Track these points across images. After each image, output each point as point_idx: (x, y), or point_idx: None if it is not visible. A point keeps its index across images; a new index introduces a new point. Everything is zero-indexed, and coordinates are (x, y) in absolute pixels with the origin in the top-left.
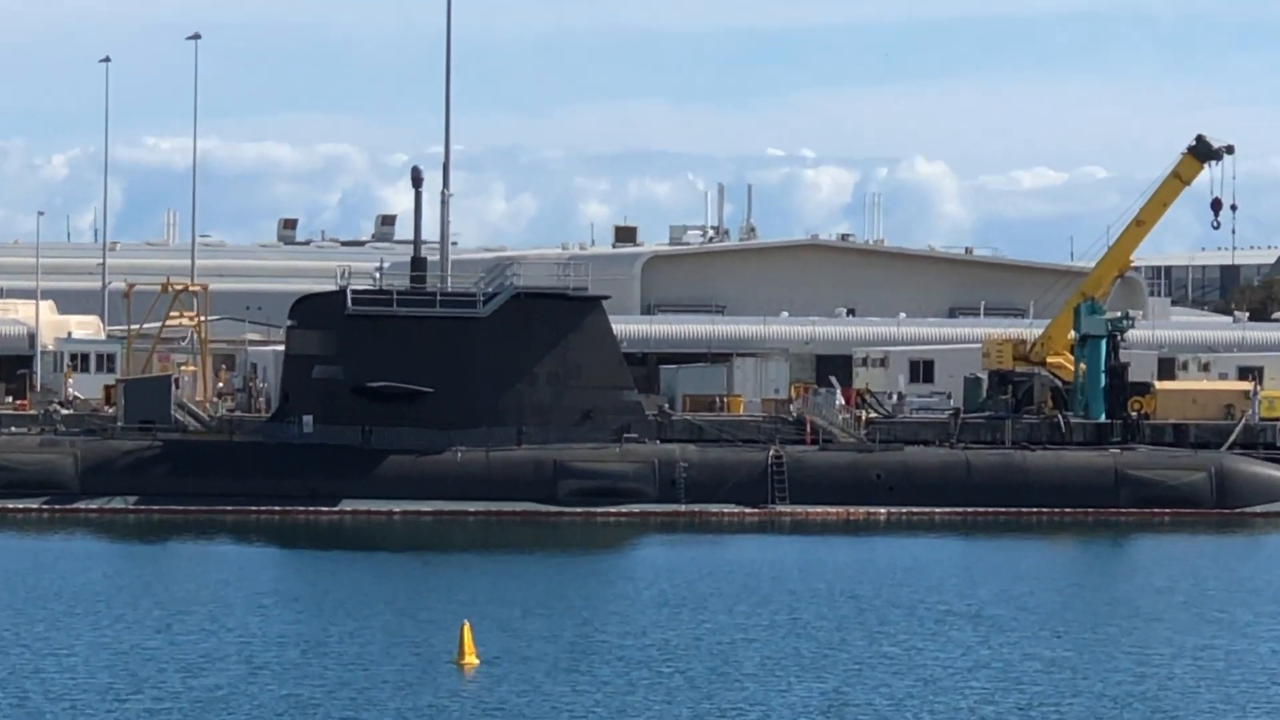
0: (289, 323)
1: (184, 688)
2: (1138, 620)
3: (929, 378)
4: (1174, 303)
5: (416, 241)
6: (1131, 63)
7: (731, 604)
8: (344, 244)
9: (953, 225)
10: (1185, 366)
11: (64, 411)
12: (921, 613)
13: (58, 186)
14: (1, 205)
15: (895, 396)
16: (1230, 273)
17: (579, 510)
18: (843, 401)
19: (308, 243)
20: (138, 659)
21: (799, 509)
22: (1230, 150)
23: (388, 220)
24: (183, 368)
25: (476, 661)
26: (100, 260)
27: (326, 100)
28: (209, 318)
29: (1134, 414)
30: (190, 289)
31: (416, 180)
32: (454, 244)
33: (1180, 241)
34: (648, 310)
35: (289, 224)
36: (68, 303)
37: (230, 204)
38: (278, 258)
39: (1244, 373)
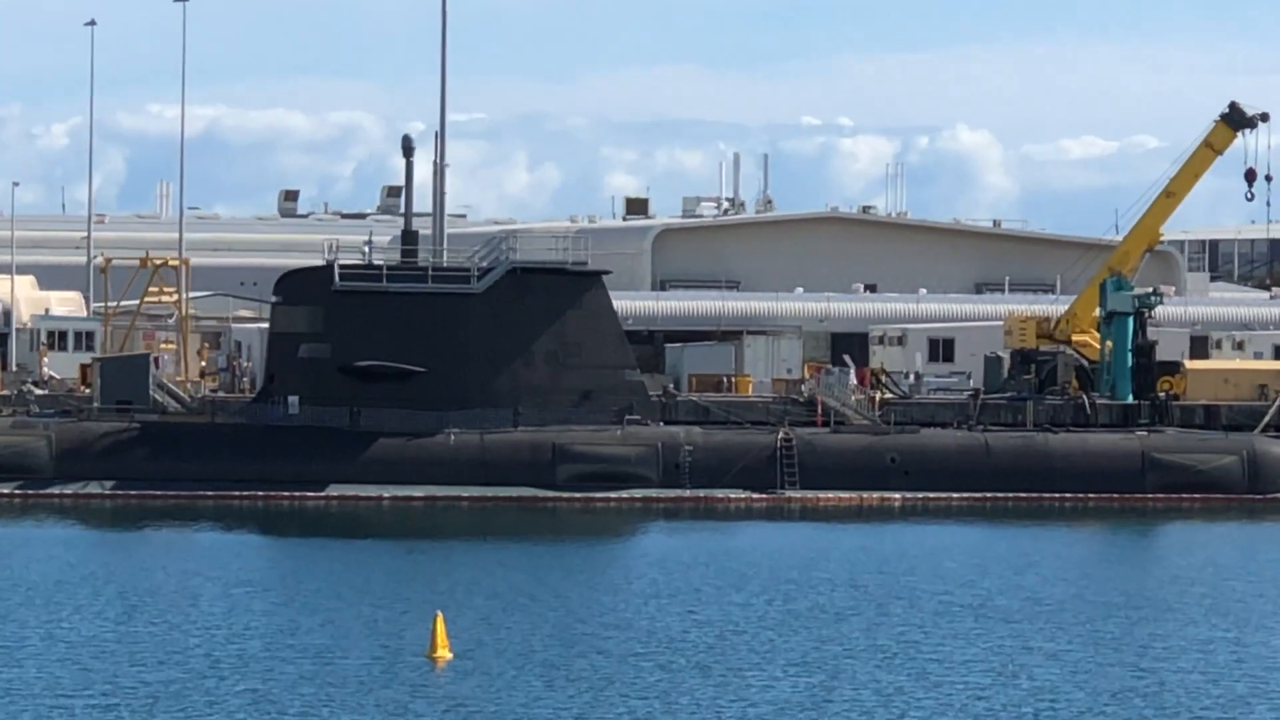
0: (274, 299)
1: (137, 682)
2: (1149, 612)
3: (949, 357)
4: (1215, 278)
5: (407, 214)
6: (1178, 24)
7: (726, 595)
8: (345, 216)
9: (997, 196)
10: (1219, 345)
11: (38, 392)
12: (924, 604)
13: (57, 156)
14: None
15: (912, 376)
16: (1277, 247)
17: (578, 496)
18: (856, 382)
19: (308, 215)
20: (92, 651)
21: (809, 494)
22: (1265, 118)
23: (394, 191)
24: (163, 346)
25: (449, 655)
26: (85, 234)
27: (341, 66)
28: (195, 294)
29: (1162, 395)
30: (171, 264)
31: (407, 150)
32: (463, 216)
33: (1233, 215)
34: (659, 286)
35: (290, 195)
36: (51, 278)
37: (239, 175)
38: (274, 231)
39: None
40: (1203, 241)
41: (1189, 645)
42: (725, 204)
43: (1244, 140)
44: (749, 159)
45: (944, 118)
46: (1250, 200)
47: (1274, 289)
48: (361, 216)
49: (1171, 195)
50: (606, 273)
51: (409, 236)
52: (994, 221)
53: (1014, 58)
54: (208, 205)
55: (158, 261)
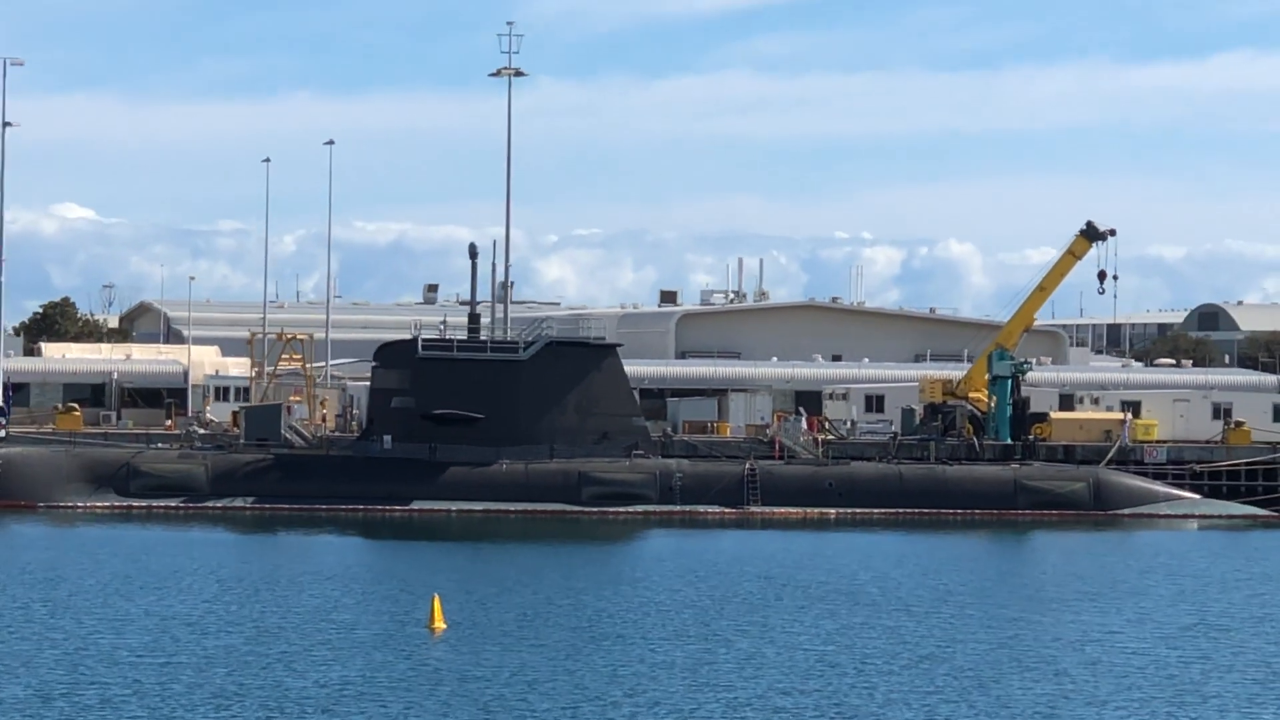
0: (374, 364)
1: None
2: (987, 599)
3: (880, 409)
4: (1097, 351)
5: (473, 301)
6: (1117, 164)
7: (667, 582)
8: (462, 303)
9: (977, 291)
10: (1081, 400)
11: (201, 431)
12: (809, 591)
13: (288, 259)
14: (245, 273)
15: (850, 423)
16: (1128, 329)
17: (597, 510)
18: (806, 427)
19: (444, 301)
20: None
21: (768, 510)
22: (1113, 233)
23: (432, 288)
24: (292, 398)
25: (444, 626)
26: (260, 315)
27: (498, 192)
28: (335, 361)
29: (1032, 437)
30: (299, 338)
31: (473, 254)
32: (557, 304)
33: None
34: (680, 355)
35: (431, 287)
36: (238, 349)
37: (421, 272)
38: (408, 314)
39: (1126, 406)
40: (1104, 325)
41: (997, 626)
42: (732, 295)
43: (1097, 249)
44: (794, 263)
45: (939, 233)
46: (1101, 294)
47: (1125, 359)
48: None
49: (1043, 290)
50: (619, 345)
51: (474, 318)
52: (930, 309)
53: (991, 190)
54: (394, 297)
55: (288, 336)
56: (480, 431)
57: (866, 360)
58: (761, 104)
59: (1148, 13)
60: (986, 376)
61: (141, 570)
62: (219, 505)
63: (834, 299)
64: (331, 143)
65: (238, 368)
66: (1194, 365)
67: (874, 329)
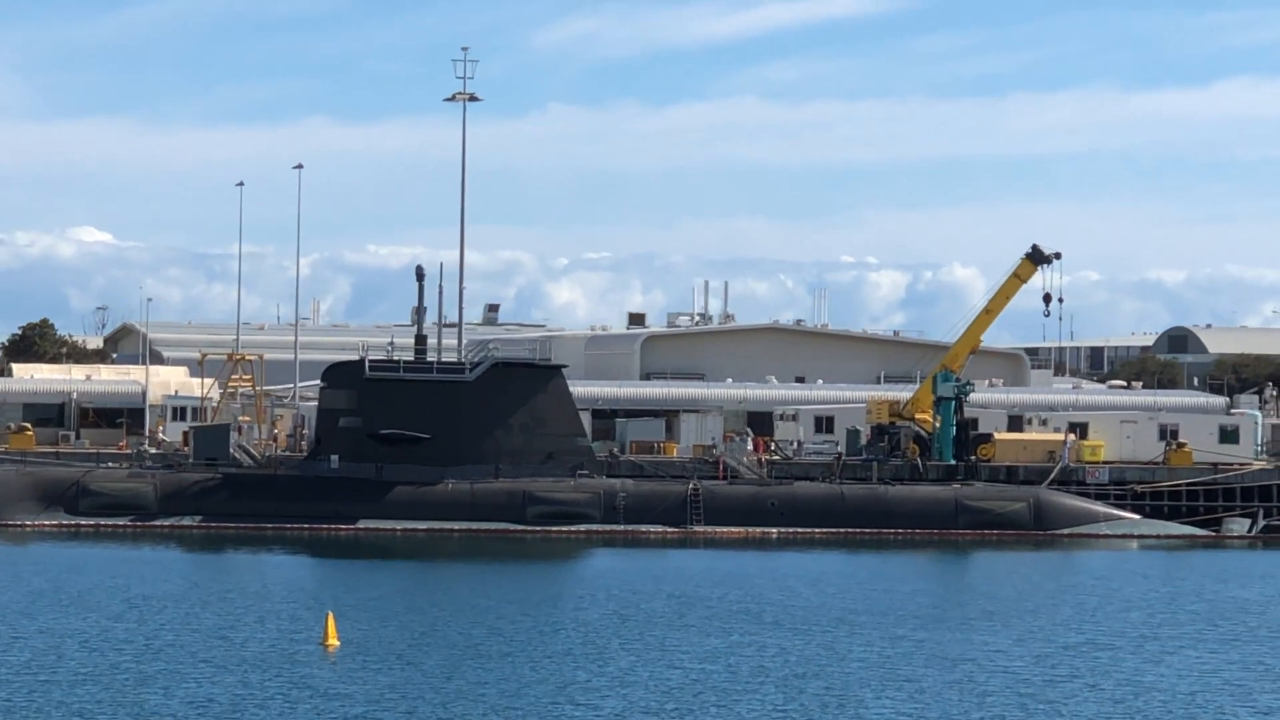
0: (321, 384)
1: (80, 665)
2: (884, 618)
3: (830, 429)
4: (1056, 373)
5: (419, 323)
6: (1119, 189)
7: (578, 600)
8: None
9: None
10: (1030, 421)
11: (152, 450)
12: (714, 609)
13: (303, 281)
14: (258, 295)
15: (796, 444)
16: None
17: (540, 529)
18: (752, 447)
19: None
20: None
21: (710, 529)
22: (1058, 256)
23: (493, 308)
24: (240, 418)
25: (337, 643)
26: (234, 336)
27: (507, 216)
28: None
29: (974, 457)
30: (247, 358)
31: (420, 276)
32: (542, 325)
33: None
34: (645, 377)
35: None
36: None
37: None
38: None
39: (1074, 427)
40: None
41: (893, 643)
42: (698, 317)
43: (1043, 273)
44: (800, 287)
45: (943, 257)
46: (1047, 317)
47: (1075, 382)
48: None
49: (989, 312)
50: (564, 366)
51: (420, 339)
52: (894, 332)
53: (995, 215)
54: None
55: (237, 357)
56: (426, 451)
57: (820, 381)
58: (769, 130)
59: (1150, 41)
60: (933, 398)
61: (57, 588)
62: (167, 524)
63: (798, 321)
64: (300, 166)
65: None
66: (1158, 387)
67: (837, 351)
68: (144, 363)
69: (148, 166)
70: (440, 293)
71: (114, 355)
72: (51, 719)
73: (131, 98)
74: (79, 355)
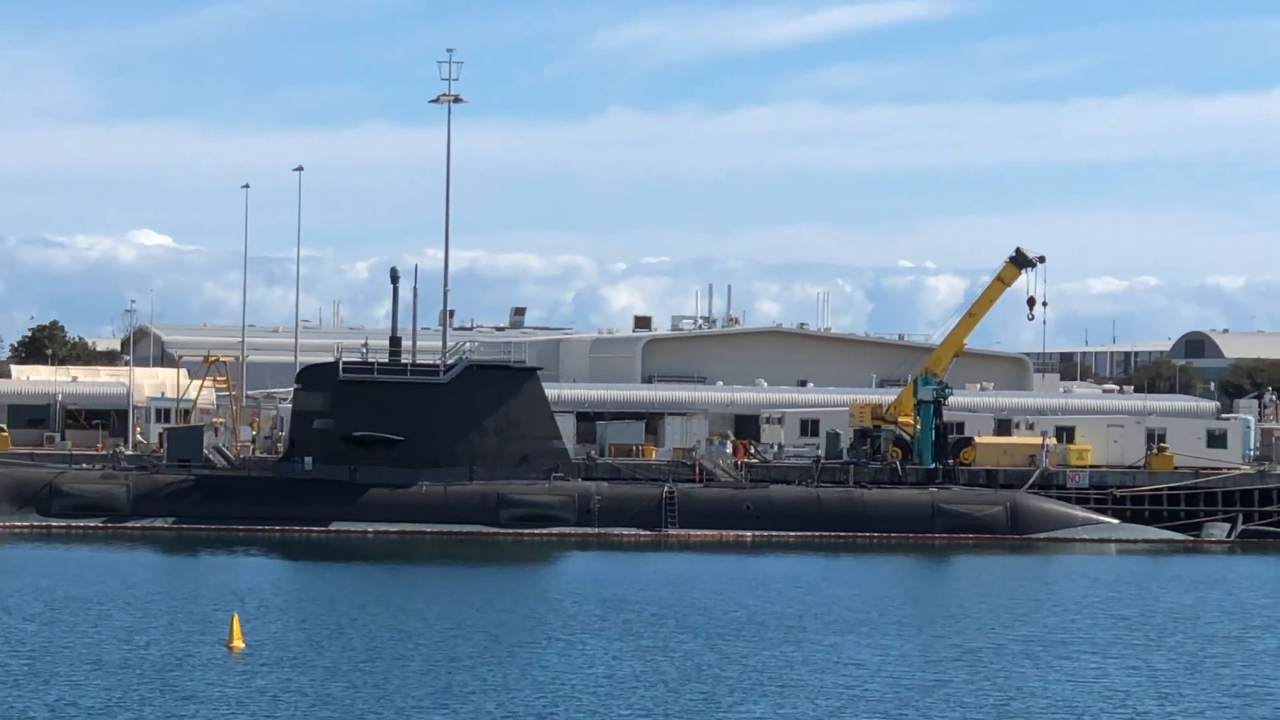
0: (295, 386)
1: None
2: (798, 624)
3: (814, 433)
4: (1083, 378)
5: (394, 324)
6: (1178, 196)
7: (507, 604)
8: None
9: (1038, 322)
10: (1018, 425)
11: (127, 452)
12: (637, 614)
13: (360, 285)
14: (316, 297)
15: (778, 447)
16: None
17: (513, 531)
18: (731, 451)
19: (471, 327)
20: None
21: (685, 532)
22: (1042, 260)
23: (519, 311)
24: (215, 420)
25: (242, 645)
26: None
27: (566, 220)
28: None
29: (954, 461)
30: (223, 359)
31: (394, 278)
32: (611, 331)
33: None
34: (647, 379)
35: (519, 311)
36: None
37: (491, 297)
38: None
39: (1060, 431)
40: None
41: (779, 647)
42: (701, 321)
43: (1027, 276)
44: (859, 292)
45: (998, 262)
46: (1031, 320)
47: (1064, 384)
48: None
49: (972, 316)
50: (540, 369)
51: (395, 341)
52: (898, 335)
53: (1052, 221)
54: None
55: (212, 359)
56: (400, 453)
57: (811, 385)
58: (828, 135)
59: (1209, 45)
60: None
61: None
62: (139, 525)
63: (801, 324)
64: (300, 169)
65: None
66: (1175, 391)
67: (839, 354)
68: (155, 363)
69: (206, 170)
70: (415, 294)
71: (126, 357)
72: None
73: (190, 101)
74: (88, 357)
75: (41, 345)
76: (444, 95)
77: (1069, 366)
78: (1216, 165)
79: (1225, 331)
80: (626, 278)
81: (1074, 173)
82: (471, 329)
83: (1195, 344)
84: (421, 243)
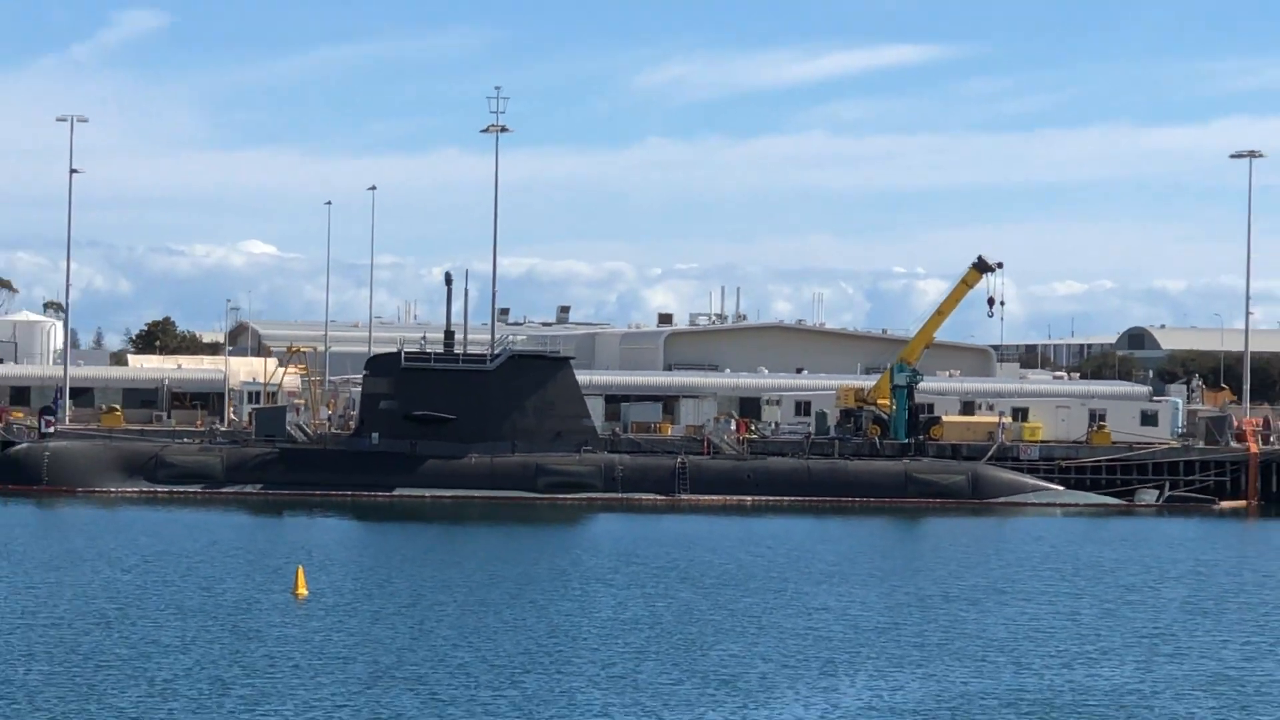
0: (364, 373)
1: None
2: (781, 576)
3: (807, 413)
4: (1042, 366)
5: (448, 320)
6: (1129, 213)
7: (531, 557)
8: (544, 325)
9: (1012, 317)
10: (980, 406)
11: (222, 429)
12: (645, 568)
13: (434, 287)
14: (399, 297)
15: (774, 425)
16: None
17: (549, 496)
18: (734, 428)
19: (522, 323)
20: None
21: (695, 497)
22: (1000, 266)
23: (564, 309)
24: (298, 401)
25: (305, 592)
26: (336, 333)
27: (611, 232)
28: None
29: (924, 437)
30: (302, 350)
31: (448, 281)
32: (639, 326)
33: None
34: (668, 368)
35: (504, 311)
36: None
37: (547, 297)
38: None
39: (1016, 412)
40: (1081, 345)
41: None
42: (715, 318)
43: (987, 279)
44: (859, 293)
45: None
46: (990, 317)
47: (1021, 371)
48: (549, 324)
49: (940, 313)
50: (572, 358)
51: (449, 334)
52: (883, 330)
53: (1025, 233)
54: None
55: (294, 349)
56: (453, 430)
57: (804, 371)
58: (834, 160)
59: (1159, 85)
60: (890, 386)
61: (89, 545)
62: (231, 491)
63: (799, 321)
64: (374, 188)
65: (291, 376)
66: (1117, 379)
67: (832, 346)
68: (249, 355)
69: (306, 188)
70: (466, 296)
71: (230, 348)
72: (12, 657)
73: (293, 131)
74: (195, 348)
75: (155, 338)
76: (492, 125)
77: (1032, 356)
78: (1163, 185)
79: (1162, 327)
80: (661, 280)
81: (1043, 191)
82: (522, 324)
83: (1137, 338)
84: (486, 250)
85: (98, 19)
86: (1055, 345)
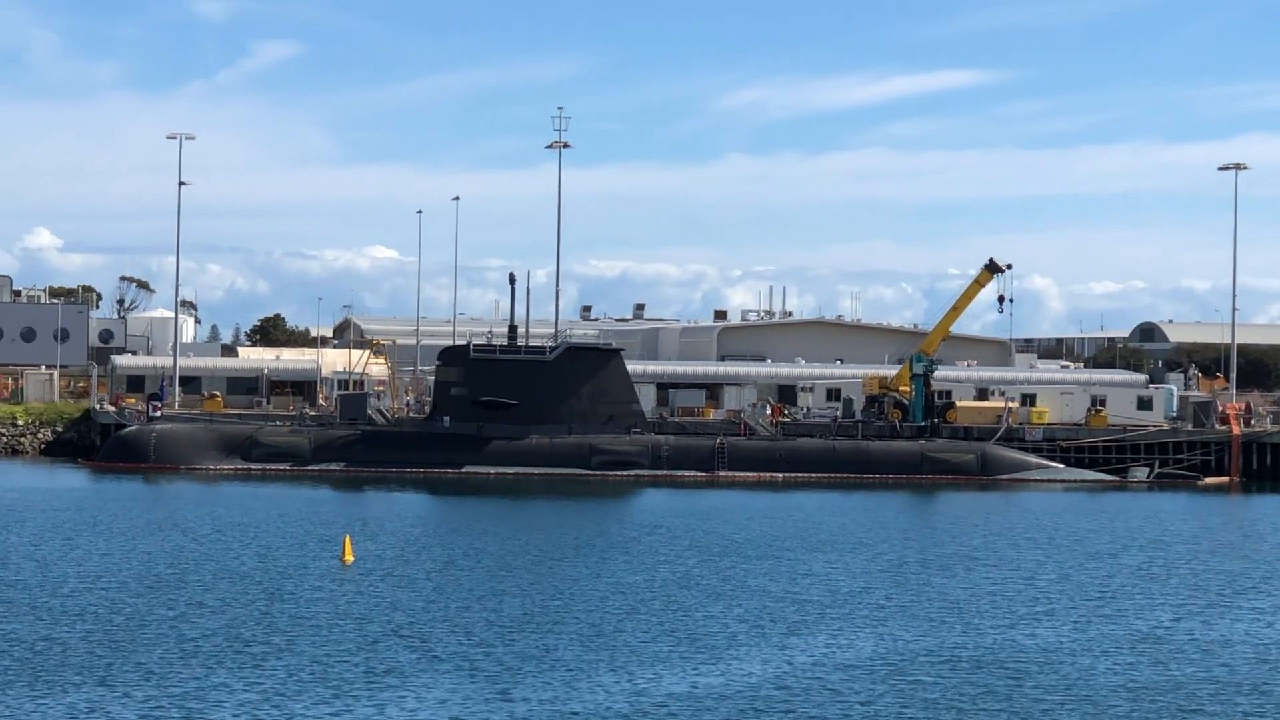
0: (437, 363)
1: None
2: (778, 545)
3: (837, 398)
4: (1040, 356)
5: (512, 316)
6: (1159, 220)
7: (567, 530)
8: (618, 320)
9: (1054, 313)
10: (992, 393)
11: (311, 413)
12: (665, 538)
13: (541, 287)
14: (507, 297)
15: (806, 409)
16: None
17: (601, 473)
18: (769, 412)
19: (597, 319)
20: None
21: (732, 474)
22: (1010, 267)
23: (639, 306)
24: (377, 387)
25: (352, 559)
26: (431, 328)
27: (696, 238)
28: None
29: (939, 420)
30: (382, 343)
31: (512, 280)
32: (696, 322)
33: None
34: (720, 359)
35: (588, 308)
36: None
37: (637, 295)
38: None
39: (1025, 398)
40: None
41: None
42: (764, 314)
43: (998, 279)
44: (918, 292)
45: (1027, 269)
46: (1000, 314)
47: (1033, 362)
48: (625, 320)
49: (955, 310)
50: (621, 350)
51: (513, 329)
52: (914, 325)
53: (1065, 238)
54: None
55: (375, 343)
56: (516, 414)
57: (838, 363)
58: (894, 173)
59: (1184, 105)
60: (910, 374)
61: (169, 517)
62: (317, 469)
63: (838, 317)
64: (457, 198)
65: (374, 364)
66: (1128, 369)
67: (867, 339)
68: (351, 348)
69: (424, 200)
70: (528, 294)
71: (335, 341)
72: (66, 617)
73: (410, 148)
74: (304, 342)
75: (267, 332)
76: (555, 142)
77: (1059, 349)
78: (1189, 195)
79: (1170, 321)
80: (741, 281)
81: (1081, 201)
82: (599, 320)
83: (1148, 331)
84: (582, 254)
85: (240, 49)
86: (1080, 339)
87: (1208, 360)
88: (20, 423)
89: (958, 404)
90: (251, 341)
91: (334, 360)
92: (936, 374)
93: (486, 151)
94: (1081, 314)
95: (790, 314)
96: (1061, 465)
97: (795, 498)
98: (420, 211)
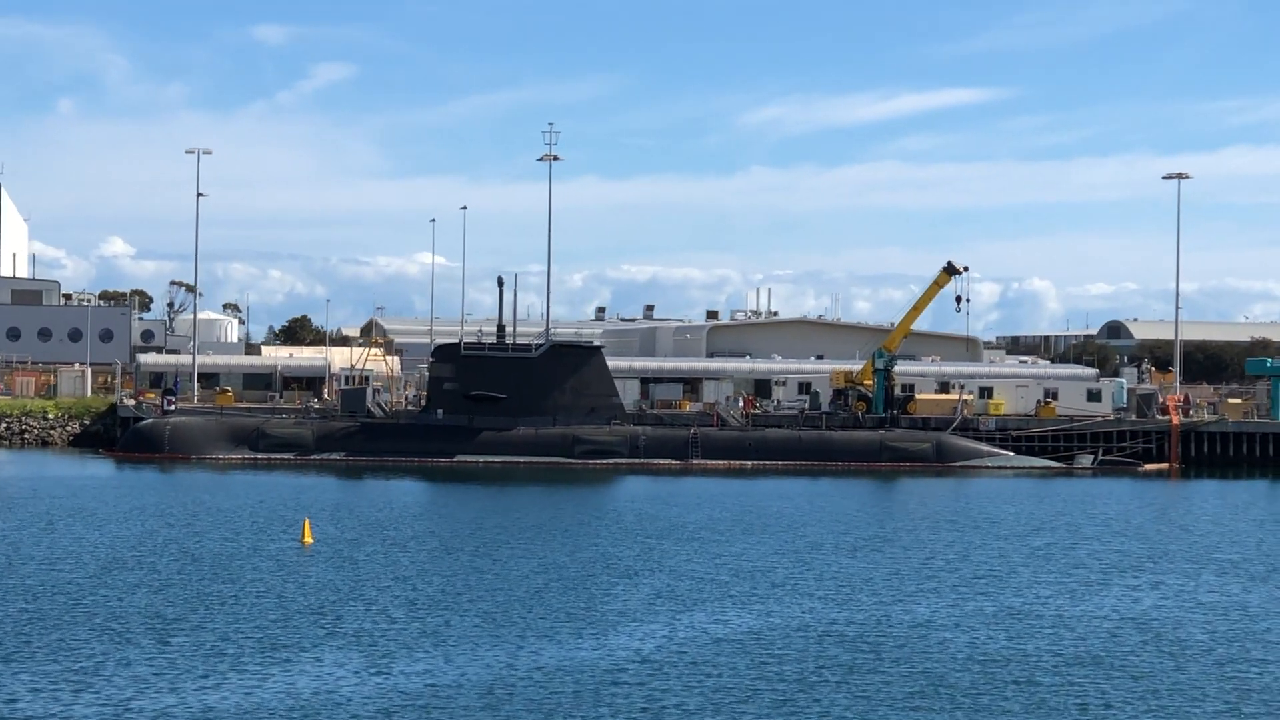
0: (430, 359)
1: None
2: (733, 528)
3: (808, 392)
4: (1025, 353)
5: (500, 318)
6: (1149, 227)
7: (534, 514)
8: (624, 320)
9: (1052, 313)
10: (953, 387)
11: (315, 406)
12: (623, 523)
13: (577, 290)
14: (541, 298)
15: (777, 402)
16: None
17: (583, 461)
18: (742, 405)
19: (609, 319)
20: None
21: (705, 462)
22: (967, 269)
23: (649, 307)
24: (374, 382)
25: (311, 540)
26: (446, 328)
27: (720, 244)
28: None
29: (899, 412)
30: (380, 342)
31: (500, 283)
32: (688, 321)
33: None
34: (710, 355)
35: (649, 308)
36: (420, 351)
37: (667, 298)
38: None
39: (983, 390)
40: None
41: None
42: (751, 313)
43: (955, 281)
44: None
45: (1026, 273)
46: (958, 312)
47: (993, 356)
48: (633, 320)
49: (916, 309)
50: (602, 347)
51: (500, 328)
52: (890, 323)
53: (1062, 243)
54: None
55: (374, 341)
56: (504, 407)
57: (813, 359)
58: (905, 184)
59: (1174, 120)
60: (872, 369)
61: (153, 503)
62: (319, 458)
63: (819, 316)
64: (465, 207)
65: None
66: (1095, 366)
67: (845, 336)
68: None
69: (470, 210)
70: (515, 295)
71: (358, 340)
72: (13, 597)
73: (456, 162)
74: (332, 340)
75: (295, 332)
76: (545, 155)
77: (1041, 345)
78: (1177, 203)
79: (1135, 320)
80: (762, 284)
81: (1077, 209)
82: (604, 321)
83: (1114, 329)
84: (617, 259)
85: (298, 71)
86: (1060, 336)
87: (1169, 355)
88: (50, 416)
89: (917, 396)
90: (281, 340)
91: (344, 358)
92: (901, 368)
93: (524, 165)
94: (1078, 314)
95: (776, 314)
96: (1011, 453)
97: (760, 484)
98: (434, 220)
